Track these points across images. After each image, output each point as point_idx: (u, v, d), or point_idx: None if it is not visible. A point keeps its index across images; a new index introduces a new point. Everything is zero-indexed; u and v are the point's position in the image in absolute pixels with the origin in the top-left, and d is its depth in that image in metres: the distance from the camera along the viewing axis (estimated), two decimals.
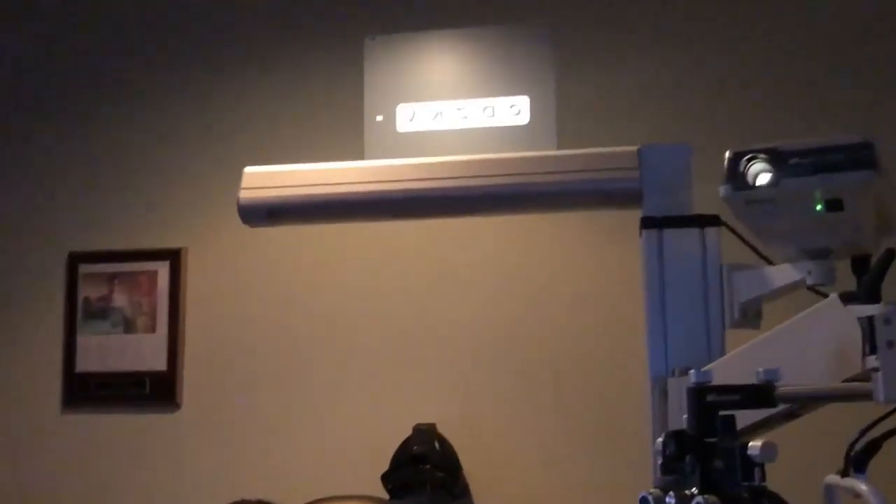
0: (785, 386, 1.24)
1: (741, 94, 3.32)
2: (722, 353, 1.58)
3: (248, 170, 1.87)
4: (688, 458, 1.17)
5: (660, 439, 1.21)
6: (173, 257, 3.60)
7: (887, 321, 1.22)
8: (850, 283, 1.44)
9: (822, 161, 1.40)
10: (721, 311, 1.59)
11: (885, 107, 3.19)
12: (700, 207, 1.67)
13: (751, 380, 1.23)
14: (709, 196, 1.58)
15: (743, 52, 3.36)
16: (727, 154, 1.47)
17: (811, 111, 3.23)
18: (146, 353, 3.57)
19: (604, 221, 3.23)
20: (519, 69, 3.49)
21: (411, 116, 3.51)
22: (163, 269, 3.60)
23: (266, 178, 1.85)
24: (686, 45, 3.39)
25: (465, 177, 1.77)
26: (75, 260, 3.68)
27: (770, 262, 1.61)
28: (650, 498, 1.18)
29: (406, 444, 3.18)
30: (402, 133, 3.50)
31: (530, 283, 3.38)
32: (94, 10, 3.83)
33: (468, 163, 1.81)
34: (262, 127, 3.63)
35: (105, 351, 3.60)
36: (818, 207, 1.42)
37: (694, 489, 1.15)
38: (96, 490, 3.55)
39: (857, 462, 1.34)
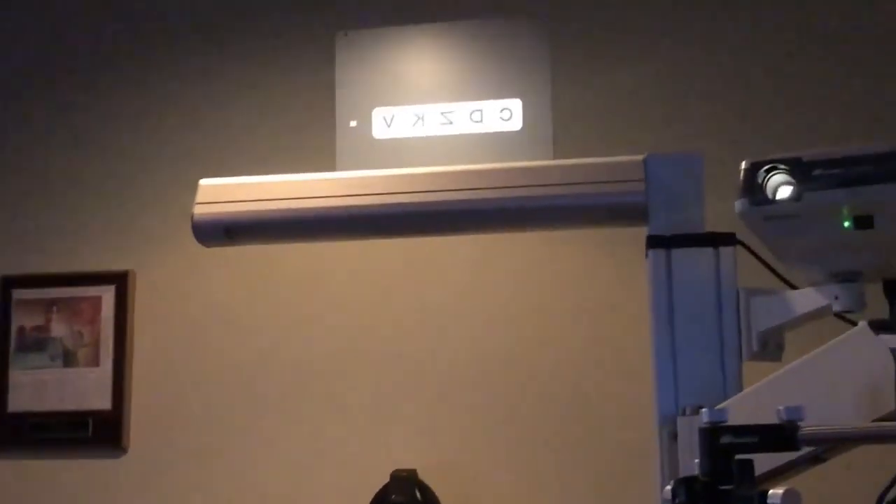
0: (809, 426, 1.23)
1: (756, 96, 3.33)
2: (738, 389, 1.58)
3: (204, 182, 1.87)
4: None
5: (668, 487, 1.21)
6: (119, 281, 3.57)
7: None
8: (881, 309, 1.44)
9: (851, 172, 1.40)
10: (737, 342, 1.60)
11: None
12: (713, 224, 1.67)
13: (771, 419, 1.23)
14: (722, 212, 1.58)
15: (756, 49, 3.37)
16: (743, 164, 1.47)
17: (834, 117, 3.25)
18: (88, 390, 3.54)
19: (605, 241, 3.22)
20: (510, 68, 3.49)
21: (389, 122, 3.51)
22: (107, 295, 3.58)
23: (224, 192, 1.85)
24: (695, 41, 3.41)
25: (447, 190, 1.77)
26: (8, 284, 3.65)
27: (792, 286, 1.62)
28: None
29: (383, 492, 3.16)
30: (378, 140, 3.50)
31: (521, 314, 3.36)
32: (27, 17, 3.83)
33: (451, 175, 1.81)
34: (220, 135, 3.62)
35: (41, 387, 3.57)
36: (846, 224, 1.42)
37: None
38: None
39: None
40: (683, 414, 1.56)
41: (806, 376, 1.43)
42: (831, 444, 1.41)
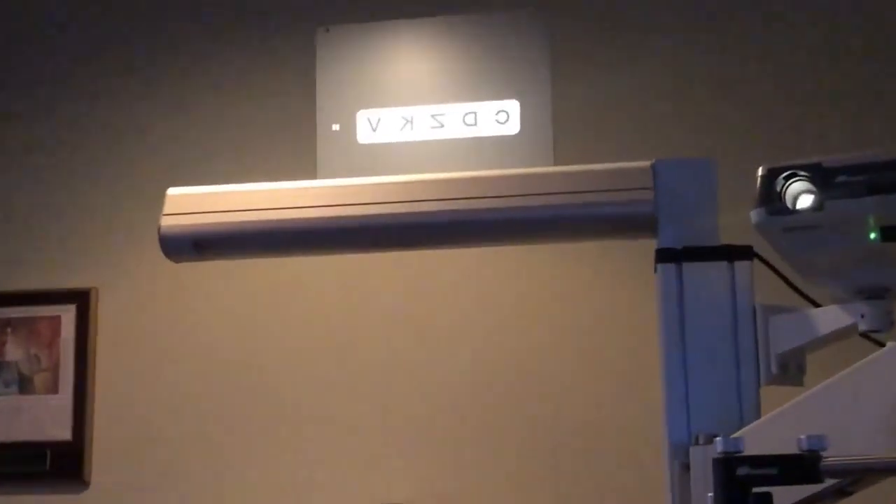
0: (833, 457, 1.23)
1: (772, 97, 3.35)
2: (756, 416, 1.58)
3: (172, 191, 1.87)
4: None
5: None
6: (80, 300, 3.57)
7: None
8: None
9: (877, 179, 1.40)
10: (755, 364, 1.60)
11: None
12: (727, 236, 1.67)
13: (791, 449, 1.23)
14: (737, 223, 1.58)
15: (770, 46, 3.39)
16: (760, 171, 1.48)
17: (855, 119, 3.26)
18: (46, 419, 3.54)
19: (609, 255, 3.23)
20: (507, 67, 3.50)
21: (374, 125, 3.51)
22: (67, 315, 3.57)
23: (194, 202, 1.85)
24: (707, 37, 3.42)
25: (438, 200, 1.77)
26: None
27: (814, 304, 1.62)
28: None
29: None
30: (363, 145, 3.50)
31: (518, 338, 3.36)
32: None
33: (443, 183, 1.81)
34: (190, 142, 3.62)
35: None
36: (872, 236, 1.42)
37: None
38: None
39: None
40: (696, 443, 1.56)
41: (829, 402, 1.43)
42: (857, 476, 1.40)
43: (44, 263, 3.64)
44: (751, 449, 1.22)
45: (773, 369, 1.59)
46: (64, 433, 3.52)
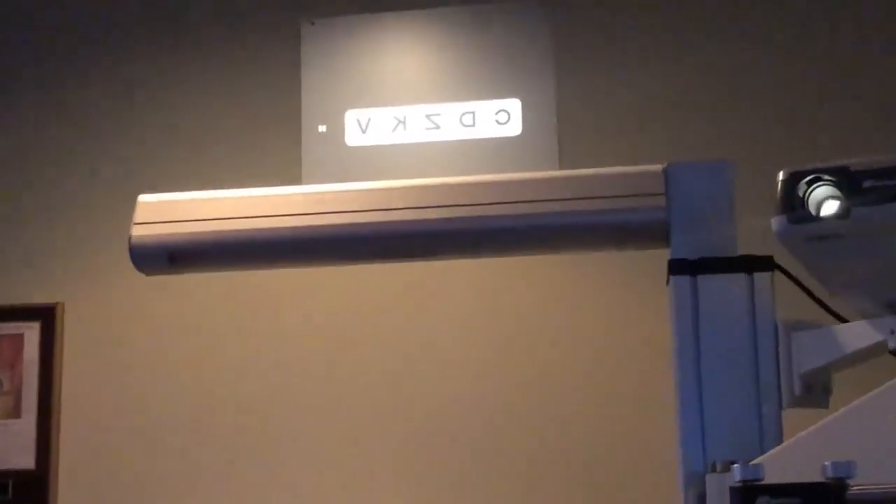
0: (861, 485, 1.23)
1: (792, 96, 3.36)
2: (777, 441, 1.58)
3: (144, 198, 1.87)
4: None
5: None
6: (45, 316, 3.57)
7: None
8: None
9: None
10: (776, 385, 1.60)
11: None
12: (745, 246, 1.67)
13: (816, 477, 1.23)
14: (755, 231, 1.58)
15: (783, 44, 3.41)
16: (781, 175, 1.48)
17: (882, 122, 3.28)
18: (8, 447, 3.53)
19: (618, 267, 3.23)
20: (507, 63, 3.50)
21: (364, 126, 3.51)
22: (31, 333, 3.57)
23: (168, 210, 1.85)
24: (723, 34, 3.43)
25: (433, 207, 1.76)
26: None
27: (841, 319, 1.62)
28: None
29: None
30: (352, 148, 3.51)
31: (526, 353, 3.37)
32: None
33: (438, 188, 1.81)
34: (165, 145, 3.62)
35: None
36: None
37: None
38: None
39: None
40: (713, 471, 1.54)
41: (857, 426, 1.43)
42: None
43: (5, 277, 3.64)
44: (771, 477, 1.22)
45: (796, 390, 1.59)
46: (27, 461, 3.52)
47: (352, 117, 3.53)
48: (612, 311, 3.34)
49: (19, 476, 3.52)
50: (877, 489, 1.28)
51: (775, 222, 1.47)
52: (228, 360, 3.51)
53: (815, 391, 1.61)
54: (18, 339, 3.58)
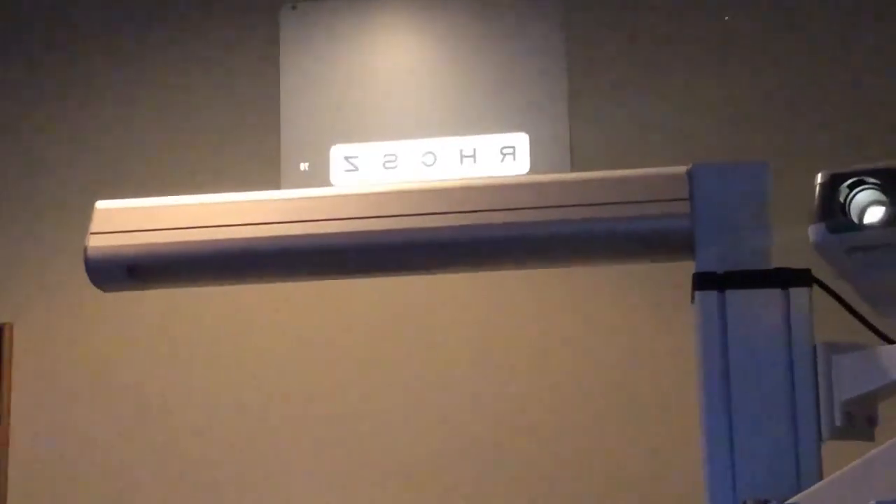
0: None
1: (832, 105, 3.39)
2: (816, 477, 1.56)
3: (102, 205, 1.85)
4: None
5: None
6: None
7: None
8: None
9: None
10: (815, 414, 1.58)
11: None
12: (779, 258, 1.65)
13: None
14: (791, 241, 1.57)
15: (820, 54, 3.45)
16: (819, 177, 1.47)
17: None
18: None
19: (637, 281, 3.27)
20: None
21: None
22: None
23: (128, 218, 1.83)
24: (737, 62, 3.48)
25: (430, 214, 1.75)
26: None
27: (888, 340, 1.60)
28: None
29: None
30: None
31: (535, 378, 3.38)
32: None
33: (434, 192, 1.80)
34: (124, 161, 3.63)
35: None
36: None
37: None
38: None
39: None
40: None
41: None
42: None
43: None
44: None
45: (837, 421, 1.57)
46: None
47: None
48: (631, 333, 3.39)
49: None
50: None
51: (813, 231, 1.46)
52: (184, 380, 3.54)
53: (859, 421, 1.58)
54: None
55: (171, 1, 3.71)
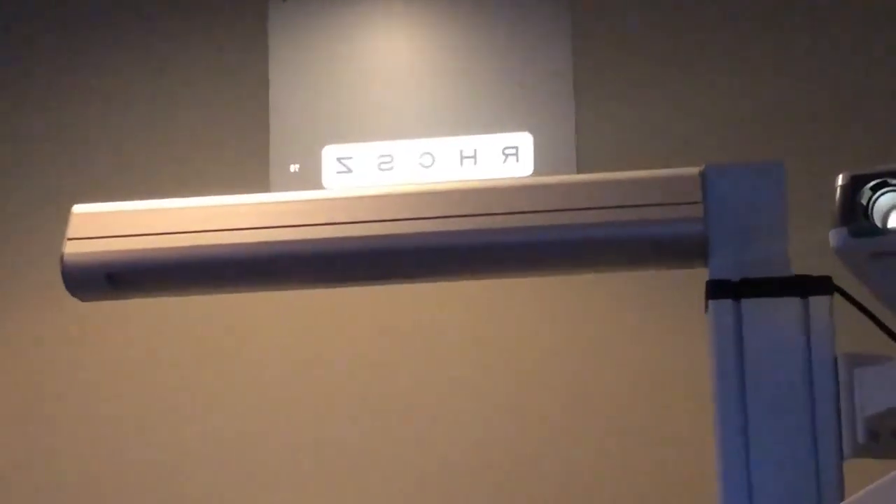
0: None
1: (849, 106, 3.40)
2: (837, 497, 1.56)
3: (79, 209, 1.84)
4: None
5: None
6: None
7: None
8: None
9: None
10: (836, 431, 1.58)
11: None
12: (797, 265, 1.64)
13: None
14: (810, 247, 1.57)
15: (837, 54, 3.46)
16: (840, 179, 1.47)
17: None
18: None
19: (648, 289, 3.27)
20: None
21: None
22: None
23: (108, 222, 1.83)
24: (750, 66, 3.49)
25: (428, 218, 1.74)
26: None
27: None
28: None
29: None
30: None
31: (536, 396, 3.38)
32: None
33: (432, 195, 1.79)
34: (93, 158, 3.63)
35: None
36: None
37: None
38: None
39: None
40: None
41: None
42: None
43: None
44: None
45: (860, 437, 1.56)
46: None
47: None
48: (641, 344, 3.38)
49: None
50: None
51: (834, 236, 1.47)
52: (193, 383, 3.54)
53: (883, 438, 1.57)
54: None
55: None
